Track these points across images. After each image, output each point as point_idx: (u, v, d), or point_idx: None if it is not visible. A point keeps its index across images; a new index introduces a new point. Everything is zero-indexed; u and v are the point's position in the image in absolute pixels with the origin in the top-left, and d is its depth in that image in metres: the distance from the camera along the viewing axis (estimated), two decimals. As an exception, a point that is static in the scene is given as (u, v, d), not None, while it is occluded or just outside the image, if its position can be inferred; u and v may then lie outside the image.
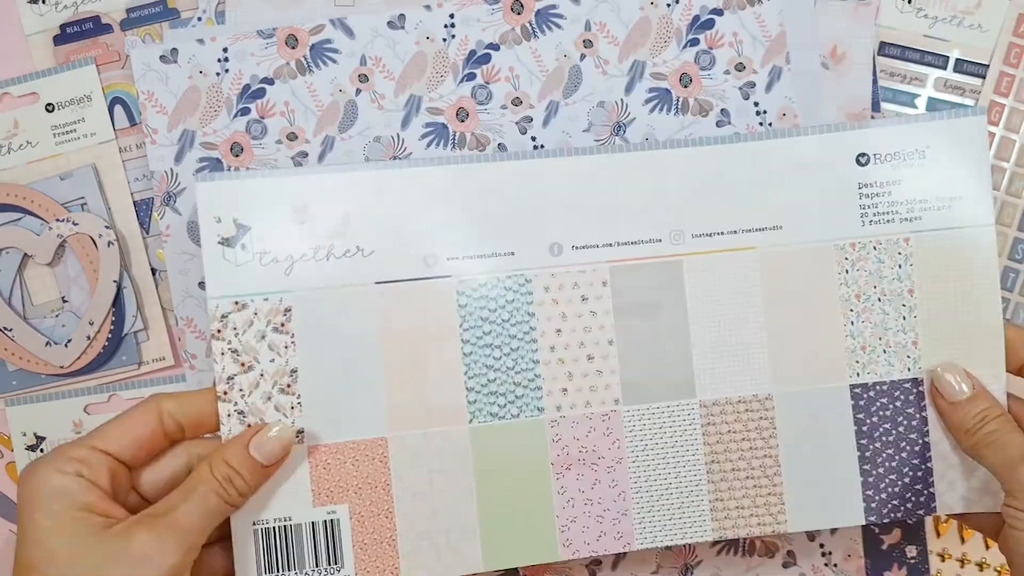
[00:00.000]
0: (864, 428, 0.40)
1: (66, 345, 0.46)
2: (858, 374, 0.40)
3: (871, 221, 0.40)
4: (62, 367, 0.46)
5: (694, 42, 0.45)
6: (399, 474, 0.39)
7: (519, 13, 0.45)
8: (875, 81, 0.46)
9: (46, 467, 0.34)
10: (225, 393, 0.38)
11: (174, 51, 0.44)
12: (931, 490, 0.40)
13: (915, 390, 0.40)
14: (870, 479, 0.40)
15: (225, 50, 0.44)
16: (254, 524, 0.38)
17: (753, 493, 0.40)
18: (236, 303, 0.38)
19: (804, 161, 0.40)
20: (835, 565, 0.47)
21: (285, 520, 0.39)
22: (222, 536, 0.38)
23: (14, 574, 0.33)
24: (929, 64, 0.46)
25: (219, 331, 0.38)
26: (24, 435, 0.47)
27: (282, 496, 0.38)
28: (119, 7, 0.46)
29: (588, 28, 0.45)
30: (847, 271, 0.40)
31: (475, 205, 0.39)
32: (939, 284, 0.40)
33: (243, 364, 0.38)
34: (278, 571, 0.38)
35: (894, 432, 0.40)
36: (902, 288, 0.40)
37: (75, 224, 0.45)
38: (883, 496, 0.40)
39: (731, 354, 0.40)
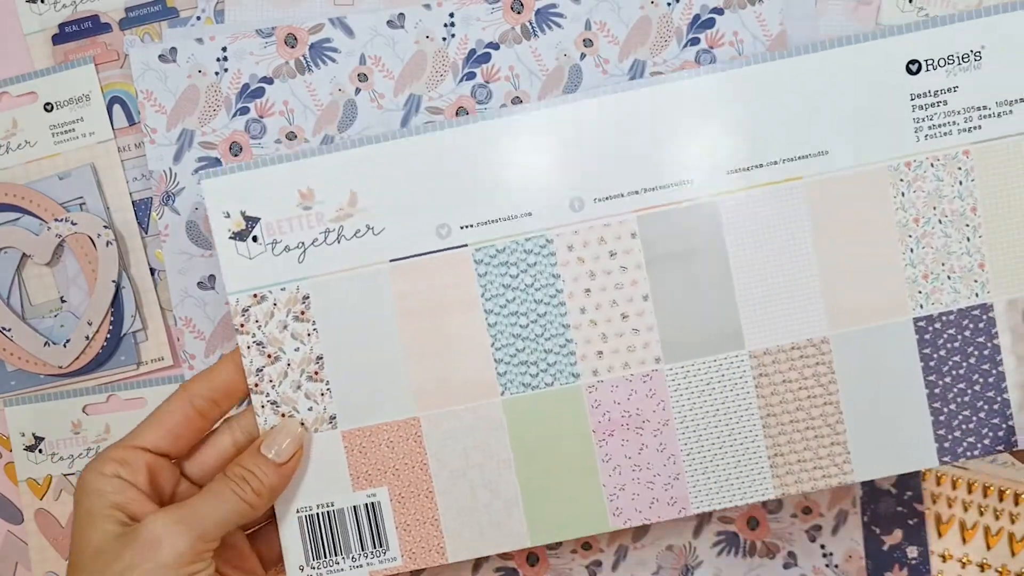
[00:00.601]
0: (931, 363, 0.39)
1: (65, 345, 0.46)
2: (921, 305, 0.39)
3: (926, 135, 0.38)
4: (61, 367, 0.46)
5: (694, 41, 0.45)
6: (434, 453, 0.40)
7: (519, 12, 0.44)
8: (876, 80, 0.45)
9: (90, 470, 0.37)
10: (256, 385, 0.40)
11: (173, 50, 0.44)
12: (1009, 423, 0.39)
13: (984, 316, 0.39)
14: (941, 417, 0.39)
15: (224, 49, 0.44)
16: (297, 511, 0.40)
17: (815, 444, 0.39)
18: (255, 296, 0.40)
19: (848, 76, 0.38)
20: (836, 566, 0.47)
21: (328, 506, 0.40)
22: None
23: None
24: (930, 63, 0.46)
25: (242, 325, 0.40)
26: (23, 435, 0.47)
27: (322, 482, 0.40)
28: (118, 6, 0.46)
29: (588, 27, 0.44)
30: (903, 193, 0.38)
31: (484, 167, 0.39)
32: (1004, 198, 0.39)
33: (269, 355, 0.40)
34: (325, 556, 0.40)
35: (965, 364, 0.39)
36: (964, 207, 0.38)
37: (74, 224, 0.45)
38: (957, 435, 0.39)
39: (780, 298, 0.39)
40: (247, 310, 0.39)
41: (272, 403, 0.39)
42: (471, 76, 0.47)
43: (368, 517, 0.40)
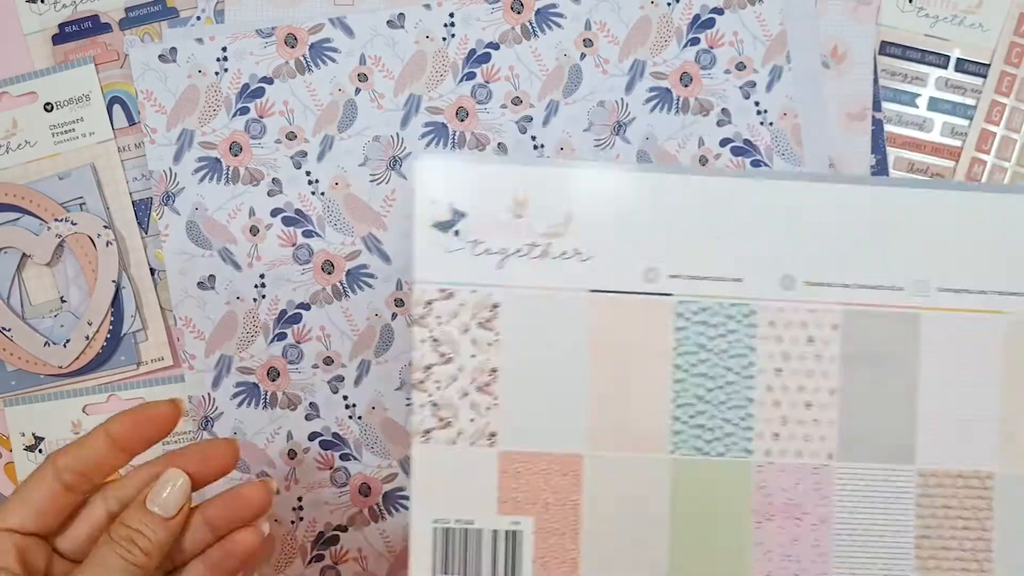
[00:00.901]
0: None
1: (65, 345, 0.46)
2: None
3: None
4: (61, 367, 0.46)
5: (694, 41, 0.45)
6: (591, 495, 0.38)
7: (519, 12, 0.44)
8: (876, 81, 0.46)
9: None
10: (421, 382, 0.37)
11: (173, 50, 0.44)
12: None
13: None
14: None
15: (224, 49, 0.44)
16: (434, 522, 0.38)
17: (961, 575, 0.39)
18: (442, 291, 0.37)
19: None
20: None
21: (467, 523, 0.38)
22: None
23: None
24: (930, 63, 0.46)
25: (422, 317, 0.37)
26: (23, 435, 0.47)
27: (467, 498, 0.38)
28: (118, 6, 0.46)
29: (588, 27, 0.44)
30: None
31: (707, 222, 0.38)
32: None
33: (442, 355, 0.37)
34: (452, 574, 0.38)
35: None
36: None
37: (74, 224, 0.45)
38: None
39: (957, 423, 0.38)
40: (430, 303, 0.37)
41: (433, 404, 0.37)
42: (471, 76, 0.47)
43: (506, 545, 0.38)
